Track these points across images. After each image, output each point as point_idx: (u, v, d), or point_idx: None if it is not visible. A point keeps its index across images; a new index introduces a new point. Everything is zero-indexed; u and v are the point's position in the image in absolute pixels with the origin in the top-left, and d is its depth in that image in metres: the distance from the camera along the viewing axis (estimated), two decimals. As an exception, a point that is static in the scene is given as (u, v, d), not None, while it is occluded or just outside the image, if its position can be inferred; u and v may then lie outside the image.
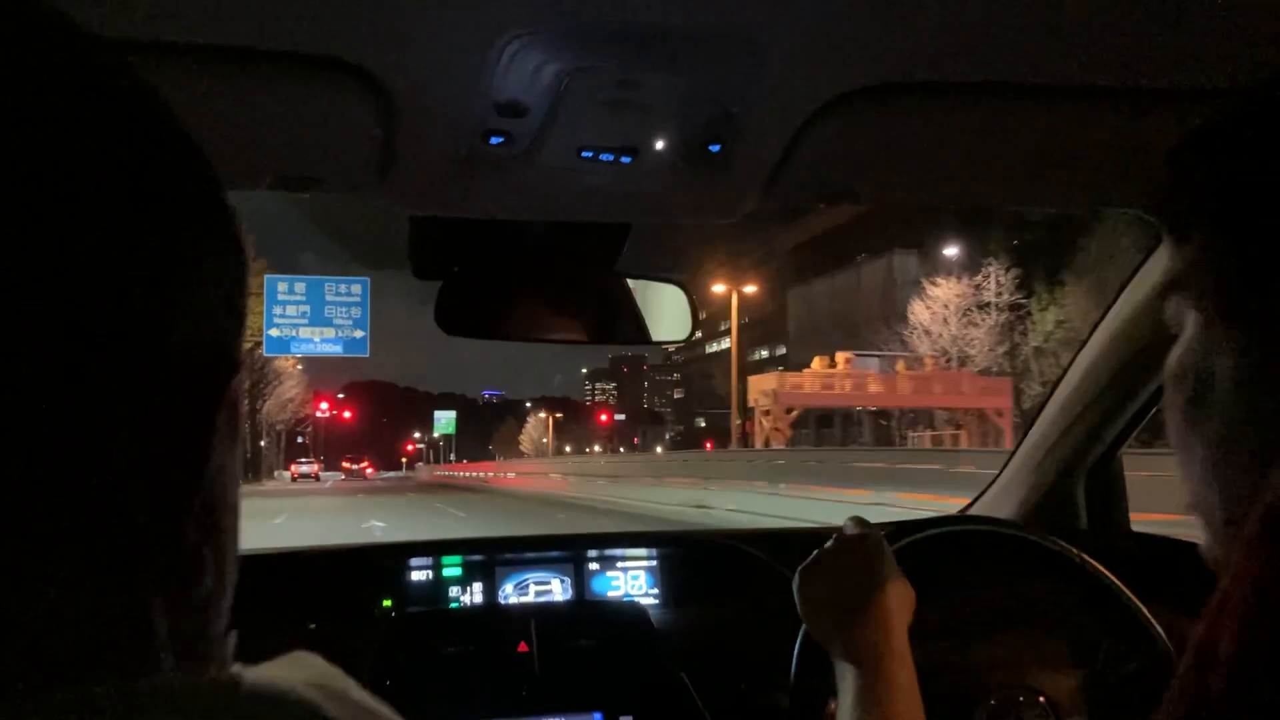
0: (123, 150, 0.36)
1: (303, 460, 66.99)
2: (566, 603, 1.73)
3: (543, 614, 1.60)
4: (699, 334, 1.71)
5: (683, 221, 1.27)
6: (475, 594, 1.71)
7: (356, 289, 34.61)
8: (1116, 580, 1.27)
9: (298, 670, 0.38)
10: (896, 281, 48.49)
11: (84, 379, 0.33)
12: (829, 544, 1.07)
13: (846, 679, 0.95)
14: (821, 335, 54.11)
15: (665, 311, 1.44)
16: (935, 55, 0.92)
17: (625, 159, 1.06)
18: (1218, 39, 0.89)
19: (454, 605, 1.69)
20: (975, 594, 1.43)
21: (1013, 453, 1.84)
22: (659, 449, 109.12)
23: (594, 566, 1.77)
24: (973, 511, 1.87)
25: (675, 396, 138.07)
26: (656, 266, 1.52)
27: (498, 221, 1.32)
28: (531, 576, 1.74)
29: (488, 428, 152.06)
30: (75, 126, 0.34)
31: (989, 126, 1.07)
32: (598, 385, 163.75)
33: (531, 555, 1.76)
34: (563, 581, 1.76)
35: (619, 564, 1.78)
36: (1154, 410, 1.65)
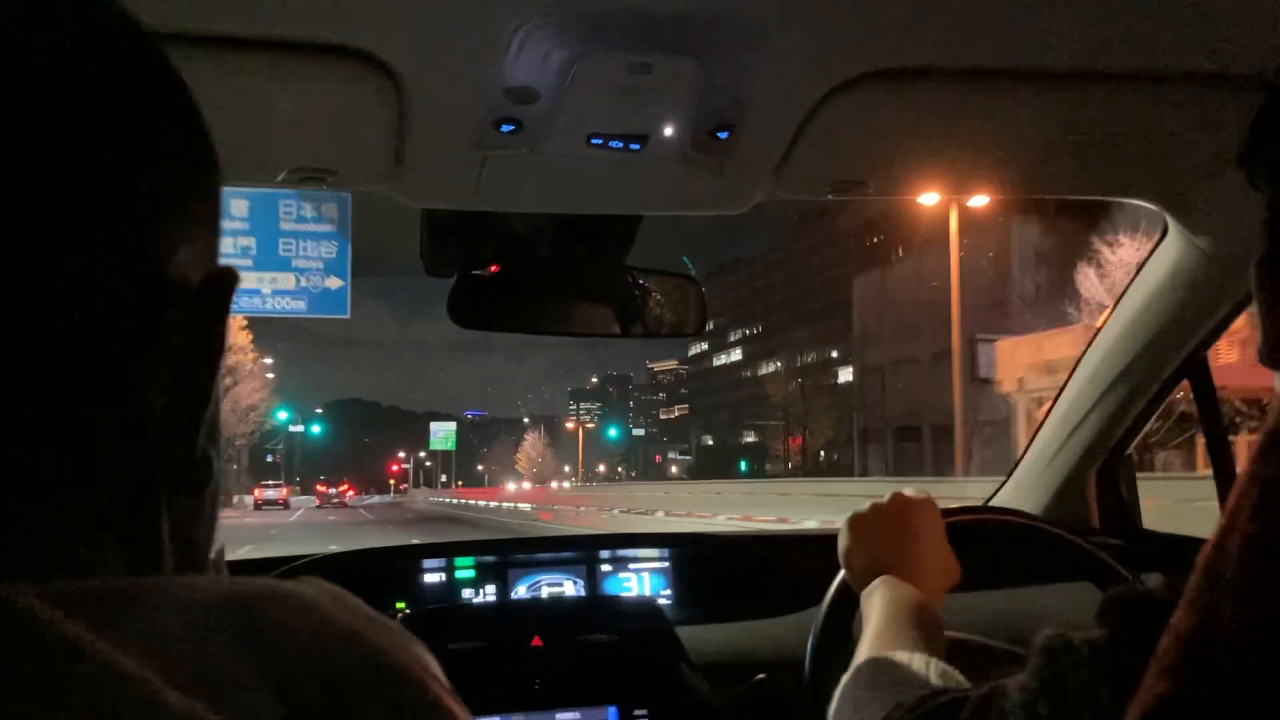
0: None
1: (269, 483, 57.45)
2: (580, 598, 1.73)
3: (556, 609, 1.61)
4: (708, 328, 1.71)
5: (692, 212, 1.29)
6: (488, 595, 1.72)
7: (331, 210, 18.96)
8: (1129, 573, 1.27)
9: (307, 585, 0.38)
10: (1013, 256, 37.09)
11: (112, 298, 0.34)
12: (884, 498, 1.10)
13: (871, 611, 0.97)
14: (901, 330, 44.15)
15: (676, 306, 1.45)
16: (945, 40, 0.93)
17: (634, 146, 1.07)
18: (1226, 25, 0.91)
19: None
20: (1001, 587, 1.44)
21: (1027, 448, 1.85)
22: (673, 469, 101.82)
23: (606, 568, 1.78)
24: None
25: (663, 417, 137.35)
26: (675, 259, 1.53)
27: (509, 217, 1.33)
28: (544, 578, 1.75)
29: (475, 449, 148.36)
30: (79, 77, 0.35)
31: (999, 114, 1.08)
32: (582, 405, 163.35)
33: (544, 556, 1.76)
34: (575, 583, 1.76)
35: (631, 565, 1.78)
36: (1164, 403, 1.65)
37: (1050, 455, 1.78)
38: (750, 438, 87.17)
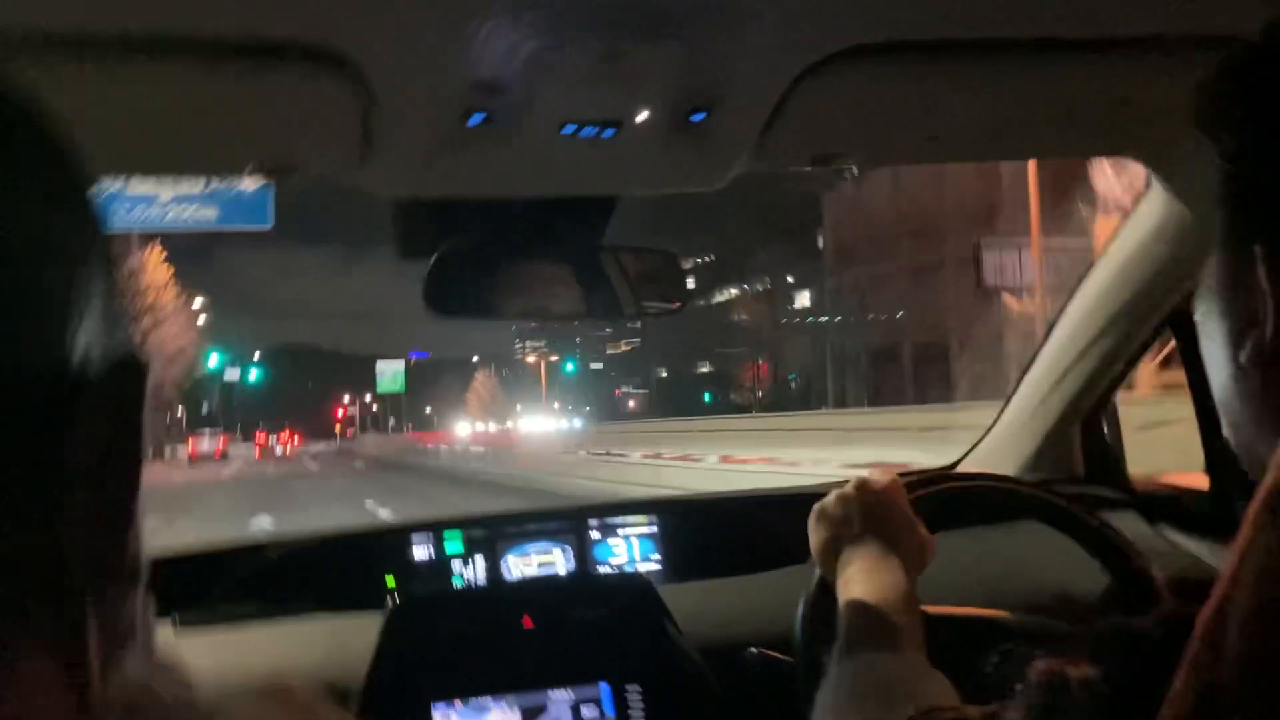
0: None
1: (204, 432, 53.55)
2: (569, 576, 1.74)
3: (546, 588, 1.62)
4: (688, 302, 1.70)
5: (668, 191, 1.27)
6: (477, 568, 1.72)
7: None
8: (1123, 536, 1.30)
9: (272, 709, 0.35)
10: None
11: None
12: (849, 487, 1.09)
13: (848, 608, 0.97)
14: (881, 246, 40.49)
15: (655, 280, 1.43)
16: (921, 13, 0.92)
17: (608, 132, 1.05)
18: None
19: (456, 580, 1.70)
20: (981, 549, 1.46)
21: (1006, 402, 1.86)
22: (631, 403, 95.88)
23: (595, 535, 1.78)
24: (970, 462, 1.88)
25: (609, 352, 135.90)
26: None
27: (484, 201, 1.30)
28: (533, 548, 1.75)
29: (422, 391, 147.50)
30: None
31: (979, 82, 1.07)
32: (529, 343, 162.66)
33: (533, 527, 1.76)
34: (564, 551, 1.76)
35: (620, 531, 1.79)
36: (1144, 355, 1.67)
37: (1032, 409, 1.79)
38: (705, 368, 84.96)
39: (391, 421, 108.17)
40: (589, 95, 1.00)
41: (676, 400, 78.17)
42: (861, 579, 0.99)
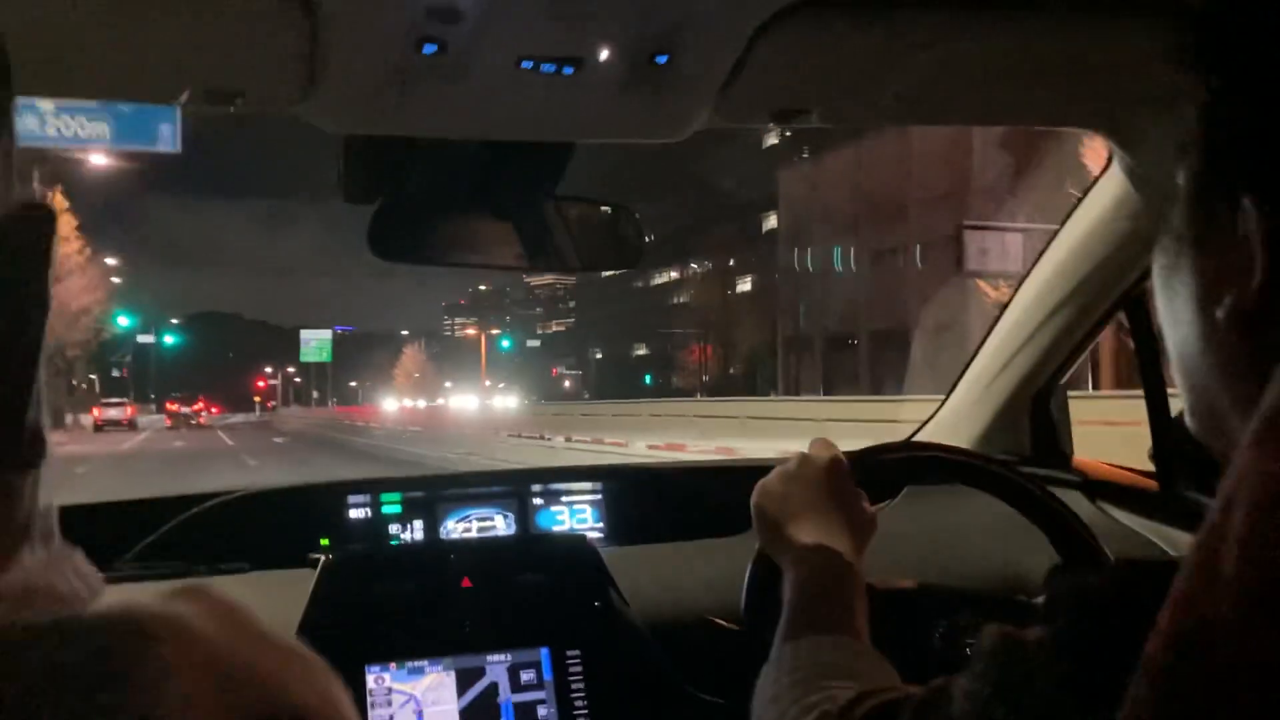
0: None
1: (112, 401, 49.39)
2: (511, 537, 1.70)
3: (486, 548, 1.57)
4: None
5: (628, 140, 1.23)
6: (416, 531, 1.68)
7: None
8: (1068, 509, 1.30)
9: (185, 606, 0.33)
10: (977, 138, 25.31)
11: None
12: (790, 462, 1.06)
13: (792, 587, 0.94)
14: (838, 227, 37.81)
15: (610, 237, 1.40)
16: None
17: (567, 70, 1.01)
18: None
19: (394, 543, 1.65)
20: (929, 522, 1.46)
21: (958, 379, 1.85)
22: (566, 383, 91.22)
23: (538, 502, 1.75)
24: (921, 437, 1.87)
25: (540, 331, 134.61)
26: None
27: (435, 143, 1.26)
28: (474, 513, 1.71)
29: (347, 365, 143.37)
30: None
31: (944, 41, 1.05)
32: (457, 319, 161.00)
33: (474, 491, 1.72)
34: (506, 517, 1.72)
35: (563, 498, 1.76)
36: (1098, 338, 1.66)
37: (985, 383, 1.78)
38: (644, 350, 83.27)
39: (315, 395, 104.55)
40: (549, 30, 0.96)
41: (615, 382, 76.06)
42: (805, 559, 0.97)
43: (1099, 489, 1.65)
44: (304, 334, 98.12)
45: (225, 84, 1.05)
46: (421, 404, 66.22)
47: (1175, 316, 0.54)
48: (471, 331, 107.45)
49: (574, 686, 1.40)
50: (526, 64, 1.00)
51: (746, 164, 55.47)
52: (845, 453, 1.15)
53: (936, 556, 1.45)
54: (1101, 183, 1.48)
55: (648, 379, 74.47)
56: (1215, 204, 0.49)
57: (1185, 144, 0.52)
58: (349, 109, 1.11)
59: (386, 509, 1.67)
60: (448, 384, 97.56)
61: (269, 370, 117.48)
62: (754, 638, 1.15)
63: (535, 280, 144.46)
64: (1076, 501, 1.58)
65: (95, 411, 46.67)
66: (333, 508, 1.64)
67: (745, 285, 59.49)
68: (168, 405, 64.97)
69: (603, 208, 1.38)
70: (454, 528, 1.70)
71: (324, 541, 1.58)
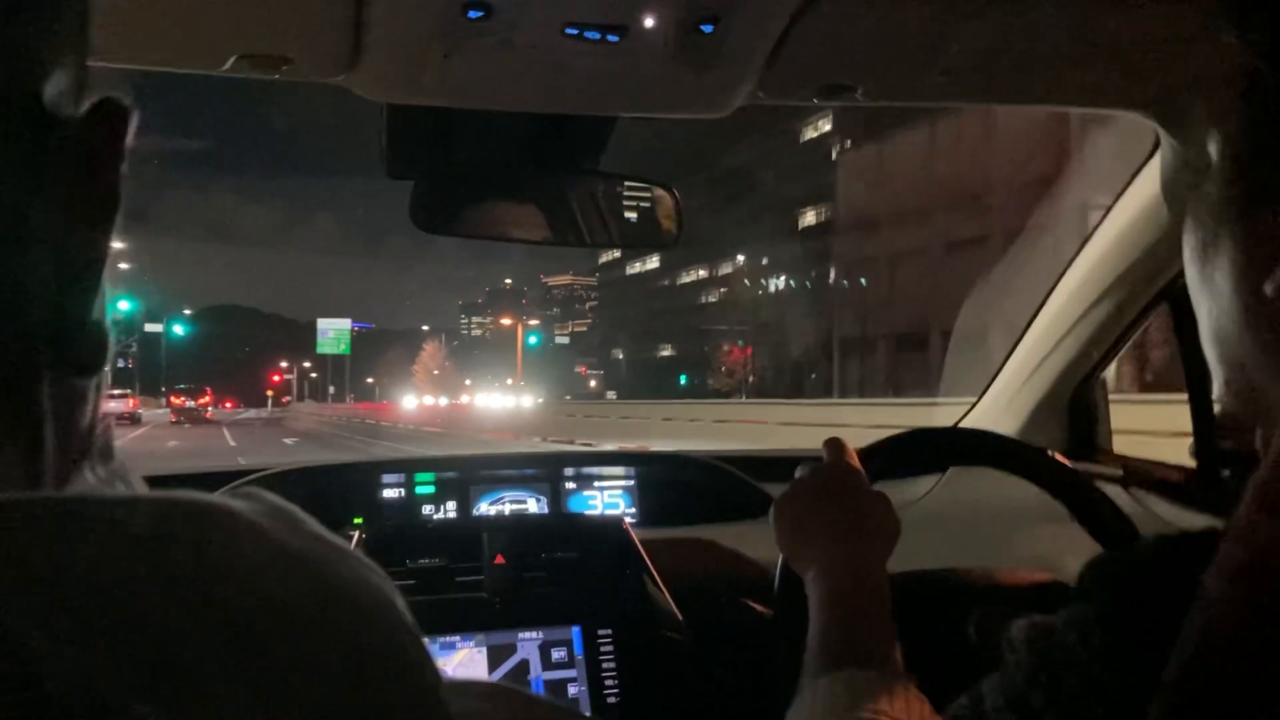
0: None
1: (113, 392, 40.12)
2: (544, 515, 1.70)
3: (519, 526, 1.57)
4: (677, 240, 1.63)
5: (671, 114, 1.22)
6: (449, 511, 1.69)
7: None
8: (1100, 492, 1.28)
9: (246, 502, 0.33)
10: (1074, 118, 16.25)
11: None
12: (804, 472, 1.02)
13: (819, 607, 0.91)
14: (903, 218, 34.47)
15: (649, 216, 1.39)
16: None
17: (613, 38, 1.00)
18: None
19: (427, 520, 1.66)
20: (966, 508, 1.45)
21: (999, 368, 1.83)
22: (592, 383, 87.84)
23: (570, 485, 1.75)
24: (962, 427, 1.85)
25: (557, 331, 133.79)
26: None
27: (477, 115, 1.26)
28: (507, 495, 1.71)
29: (363, 361, 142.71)
30: None
31: (991, 16, 1.04)
32: (474, 319, 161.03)
33: (507, 473, 1.72)
34: (538, 500, 1.73)
35: (596, 483, 1.76)
36: (1142, 330, 1.63)
37: (1025, 375, 1.76)
38: (666, 350, 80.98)
39: (331, 390, 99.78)
40: None
41: (644, 382, 72.83)
42: (828, 574, 0.93)
43: (1139, 482, 1.62)
44: (321, 324, 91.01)
45: (271, 50, 1.04)
46: (443, 402, 63.26)
47: (1214, 292, 0.52)
48: (507, 321, 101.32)
49: (605, 666, 1.40)
50: (571, 30, 0.99)
51: (785, 158, 53.94)
52: (865, 448, 1.12)
53: (973, 544, 1.44)
54: (1146, 170, 1.46)
55: (683, 379, 70.54)
56: (1262, 176, 0.48)
57: (1227, 114, 0.50)
58: (394, 78, 1.10)
59: (420, 489, 1.68)
60: (467, 381, 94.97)
61: (284, 365, 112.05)
62: (784, 624, 1.13)
63: (553, 280, 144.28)
64: (1116, 494, 1.56)
65: None
66: (367, 487, 1.65)
67: (780, 282, 57.65)
68: (171, 398, 59.61)
69: (644, 186, 1.38)
70: (487, 509, 1.70)
71: (357, 520, 1.58)
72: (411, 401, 62.65)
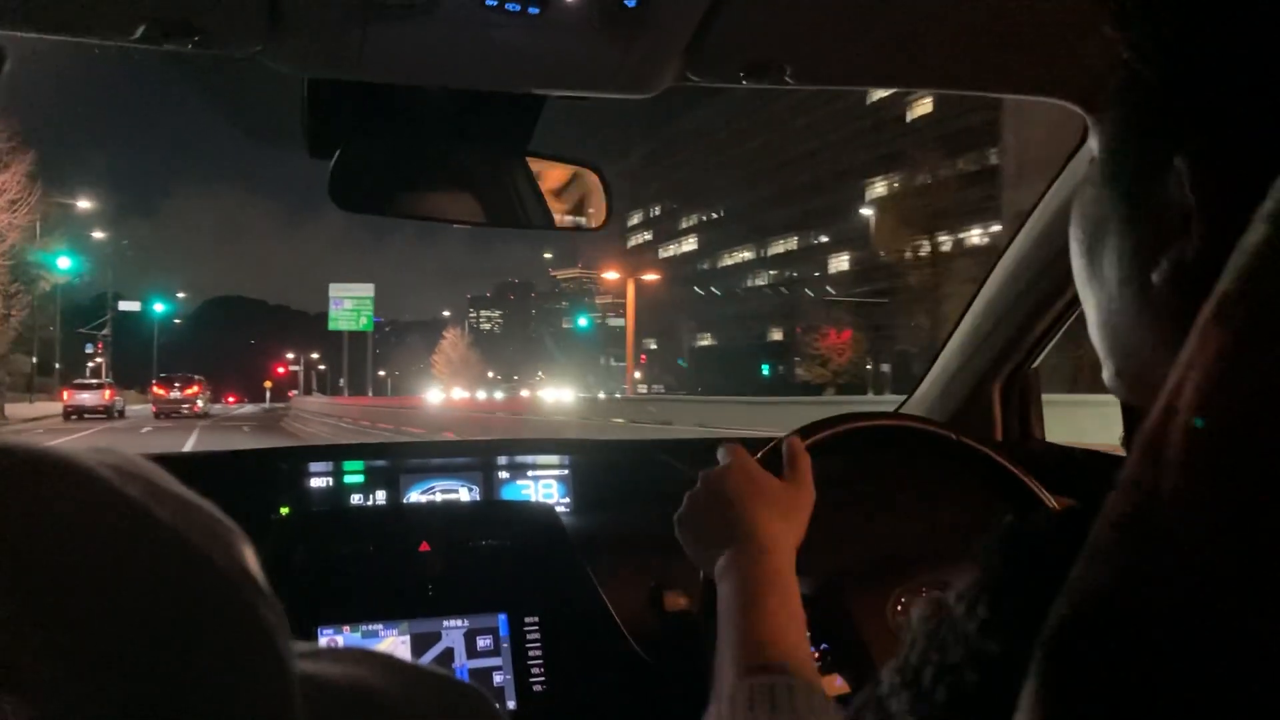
0: None
1: (87, 382, 41.25)
2: (473, 502, 1.68)
3: (447, 513, 1.55)
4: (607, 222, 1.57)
5: (596, 94, 1.20)
6: (378, 501, 1.65)
7: None
8: (1031, 480, 1.27)
9: (89, 454, 0.31)
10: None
11: None
12: (697, 484, 1.03)
13: (724, 613, 0.91)
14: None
15: (578, 197, 1.38)
16: None
17: (533, 9, 0.99)
18: None
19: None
20: (888, 492, 1.43)
21: (934, 359, 1.83)
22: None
23: (504, 475, 1.72)
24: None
25: (566, 325, 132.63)
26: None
27: (401, 93, 1.23)
28: (438, 484, 1.69)
29: (372, 354, 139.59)
30: None
31: (915, 1, 1.04)
32: (482, 312, 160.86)
33: (438, 462, 1.69)
34: (470, 489, 1.70)
35: (529, 472, 1.74)
36: (1070, 320, 1.62)
37: (958, 365, 1.76)
38: (705, 340, 75.08)
39: (343, 383, 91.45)
40: None
41: (725, 372, 62.22)
42: (731, 572, 0.93)
43: (1068, 467, 1.62)
44: (334, 291, 65.43)
45: (182, 19, 1.01)
46: (480, 395, 53.35)
47: (1102, 282, 0.52)
48: (613, 274, 67.18)
49: (531, 653, 1.38)
50: (491, 2, 0.97)
51: (842, 126, 50.86)
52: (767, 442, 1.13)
53: (895, 526, 1.42)
54: (1075, 159, 1.45)
55: (765, 369, 59.40)
56: (1145, 167, 0.48)
57: (1111, 106, 0.51)
58: (311, 51, 1.08)
59: (349, 478, 1.64)
60: (490, 373, 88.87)
61: (290, 356, 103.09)
62: (708, 616, 1.14)
63: (561, 273, 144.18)
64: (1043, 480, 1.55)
65: (65, 394, 38.91)
66: (293, 475, 1.61)
67: (843, 263, 53.48)
68: (154, 388, 50.23)
69: (573, 167, 1.36)
70: (418, 498, 1.67)
71: (284, 510, 1.55)
72: (436, 395, 53.74)
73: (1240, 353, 0.33)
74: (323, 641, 1.30)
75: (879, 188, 49.06)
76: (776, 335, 64.55)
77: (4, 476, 0.28)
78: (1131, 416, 1.49)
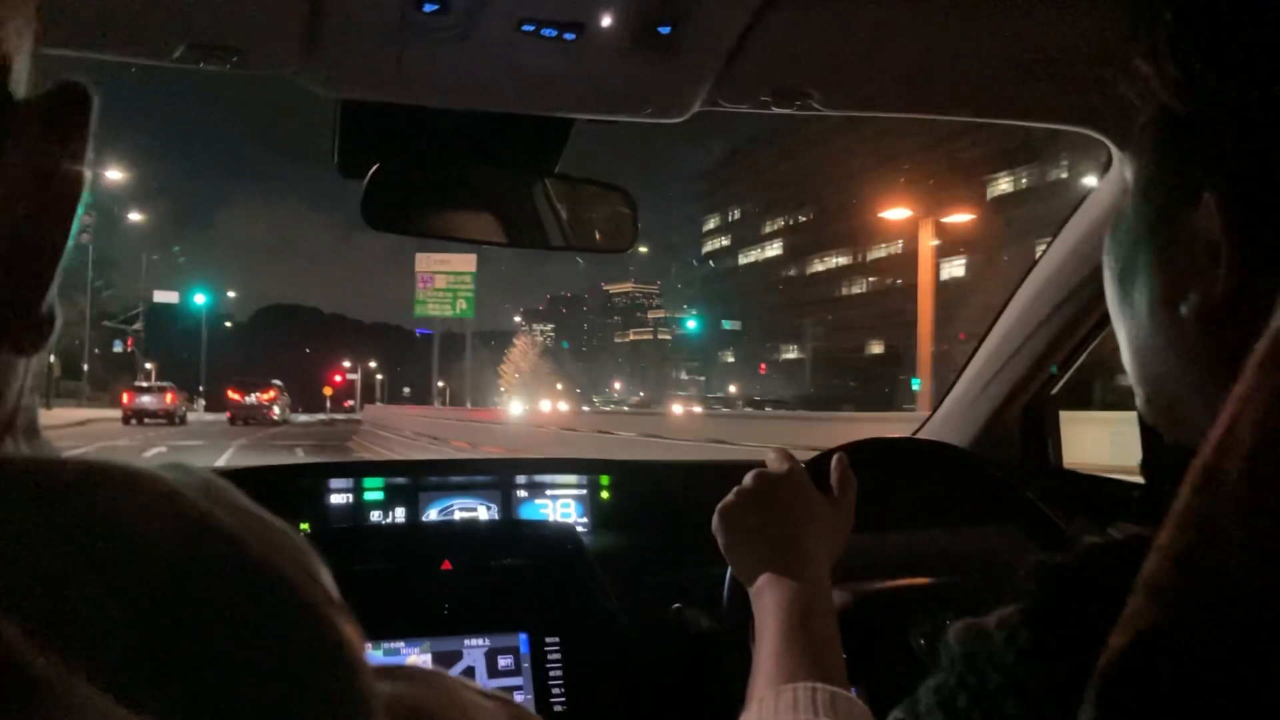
0: None
1: (150, 385, 39.42)
2: (493, 521, 1.68)
3: (468, 532, 1.56)
4: (638, 247, 1.59)
5: (627, 117, 1.21)
6: (397, 518, 1.66)
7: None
8: (1052, 511, 1.25)
9: (167, 470, 0.32)
10: None
11: None
12: (748, 481, 1.01)
13: (764, 619, 0.91)
14: None
15: (605, 220, 1.38)
16: None
17: (569, 35, 1.00)
18: None
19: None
20: (914, 520, 1.41)
21: (954, 383, 1.82)
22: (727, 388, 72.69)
23: (522, 494, 1.73)
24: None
25: (617, 340, 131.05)
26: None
27: (433, 114, 1.25)
28: (457, 502, 1.69)
29: (427, 367, 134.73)
30: None
31: (944, 25, 1.04)
32: (535, 326, 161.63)
33: (457, 480, 1.70)
34: (489, 508, 1.71)
35: (548, 491, 1.74)
36: (1092, 345, 1.62)
37: (980, 388, 1.75)
38: (791, 354, 70.60)
39: (407, 391, 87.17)
40: None
41: (857, 383, 58.76)
42: (773, 588, 0.92)
43: (1088, 496, 1.61)
44: (421, 264, 44.57)
45: (220, 41, 1.03)
46: (562, 407, 47.00)
47: (1133, 312, 0.53)
48: (932, 243, 34.14)
49: (551, 673, 1.38)
50: (528, 27, 0.98)
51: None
52: (813, 457, 1.13)
53: (921, 554, 1.40)
54: (1101, 186, 1.45)
55: (915, 384, 56.37)
56: (1175, 201, 0.48)
57: (1142, 139, 0.51)
58: (347, 72, 1.09)
59: (369, 495, 1.65)
60: (558, 385, 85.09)
61: (347, 364, 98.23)
62: (732, 636, 1.14)
63: (614, 287, 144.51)
64: (1062, 508, 1.53)
65: (125, 397, 37.32)
66: (314, 492, 1.62)
67: (957, 268, 50.24)
68: (229, 393, 47.44)
69: (599, 190, 1.37)
70: (436, 516, 1.68)
71: (304, 526, 1.56)
72: (517, 407, 44.13)
73: None
74: None
75: (1003, 184, 46.53)
76: (876, 348, 60.98)
77: (100, 491, 0.28)
78: (1152, 443, 1.47)
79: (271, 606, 0.29)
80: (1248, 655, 0.31)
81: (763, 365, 79.17)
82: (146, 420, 35.21)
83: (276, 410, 45.85)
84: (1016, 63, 1.11)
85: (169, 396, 37.35)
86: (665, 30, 1.00)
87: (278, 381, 47.95)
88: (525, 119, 1.24)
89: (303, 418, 59.91)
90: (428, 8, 0.95)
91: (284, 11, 0.96)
